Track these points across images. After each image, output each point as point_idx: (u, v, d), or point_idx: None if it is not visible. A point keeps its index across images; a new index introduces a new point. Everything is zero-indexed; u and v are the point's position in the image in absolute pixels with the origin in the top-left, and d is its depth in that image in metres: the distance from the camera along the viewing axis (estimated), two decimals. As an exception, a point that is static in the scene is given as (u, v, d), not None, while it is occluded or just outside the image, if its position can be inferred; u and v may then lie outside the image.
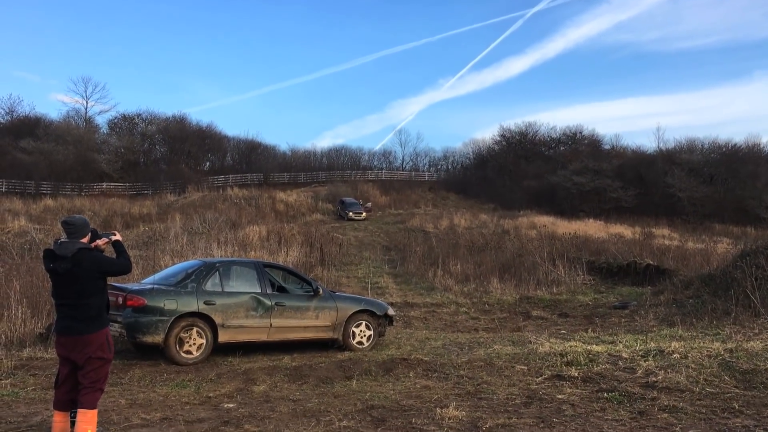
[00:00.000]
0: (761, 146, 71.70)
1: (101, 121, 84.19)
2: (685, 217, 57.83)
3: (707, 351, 8.61)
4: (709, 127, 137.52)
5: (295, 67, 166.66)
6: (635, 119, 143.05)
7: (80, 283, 5.18)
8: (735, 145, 70.34)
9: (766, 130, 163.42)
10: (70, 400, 5.24)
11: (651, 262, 23.68)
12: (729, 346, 8.93)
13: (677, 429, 5.69)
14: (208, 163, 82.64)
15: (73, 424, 5.14)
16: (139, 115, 79.78)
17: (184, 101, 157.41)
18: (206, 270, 10.06)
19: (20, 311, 11.32)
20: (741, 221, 54.50)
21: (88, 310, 5.22)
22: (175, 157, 75.87)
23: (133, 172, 69.39)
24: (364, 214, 49.87)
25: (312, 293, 10.84)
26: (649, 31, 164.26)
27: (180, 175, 67.63)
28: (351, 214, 49.11)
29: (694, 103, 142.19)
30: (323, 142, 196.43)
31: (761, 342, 9.10)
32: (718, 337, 10.12)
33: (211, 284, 9.91)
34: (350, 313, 11.02)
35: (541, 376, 8.06)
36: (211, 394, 7.49)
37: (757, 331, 10.39)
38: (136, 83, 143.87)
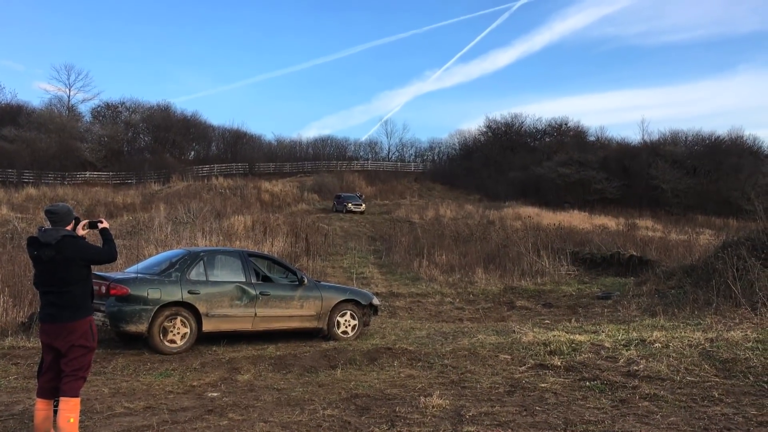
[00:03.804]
0: (744, 139, 72.42)
1: (84, 109, 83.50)
2: (668, 208, 58.35)
3: (688, 340, 8.71)
4: (693, 120, 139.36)
5: (282, 57, 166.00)
6: (620, 111, 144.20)
7: (64, 271, 5.14)
8: (718, 137, 71.03)
9: (749, 123, 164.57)
10: (52, 389, 5.21)
11: (634, 253, 23.86)
12: (710, 335, 9.03)
13: (658, 417, 5.75)
14: (192, 153, 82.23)
15: (55, 412, 5.11)
16: (123, 103, 79.27)
17: (169, 90, 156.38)
18: (190, 259, 10.02)
19: (2, 300, 11.24)
20: (723, 213, 55.00)
21: (72, 298, 5.18)
22: (159, 146, 75.36)
23: (116, 161, 68.84)
24: (363, 206, 48.99)
25: (297, 283, 10.83)
26: (634, 24, 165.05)
27: (164, 165, 67.23)
28: (350, 205, 48.09)
29: (678, 96, 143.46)
30: (309, 132, 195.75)
31: (741, 332, 9.21)
32: (699, 326, 10.23)
33: (196, 273, 9.87)
34: (335, 302, 11.02)
35: (525, 365, 8.12)
36: (195, 383, 7.48)
37: (737, 321, 10.51)
38: (120, 72, 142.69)
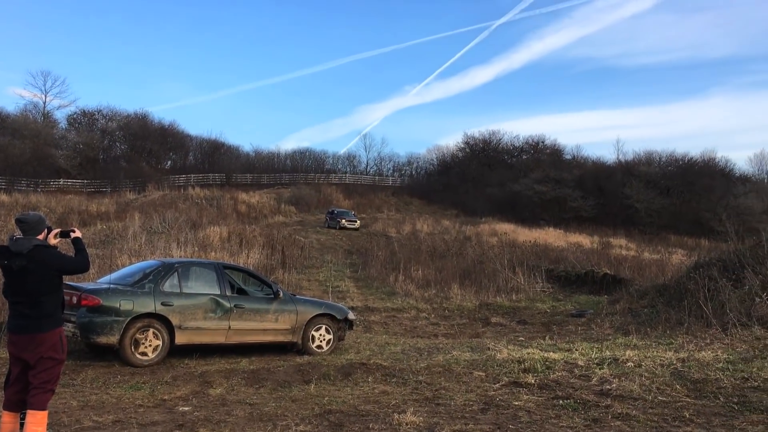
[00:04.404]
0: (716, 161, 73.70)
1: (60, 116, 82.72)
2: (641, 227, 59.03)
3: (660, 360, 8.79)
4: (667, 141, 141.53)
5: (262, 68, 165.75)
6: (596, 131, 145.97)
7: (35, 281, 5.05)
8: (691, 158, 72.21)
9: (722, 145, 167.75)
10: (20, 401, 5.10)
11: (608, 272, 24.10)
12: (681, 355, 9.13)
13: (629, 436, 5.78)
14: (169, 162, 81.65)
15: (22, 425, 5.01)
16: (100, 111, 78.52)
17: (146, 99, 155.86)
18: (164, 270, 9.91)
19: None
20: (695, 233, 55.81)
21: (42, 309, 5.09)
22: (135, 154, 74.72)
23: (91, 168, 68.06)
24: (357, 222, 46.98)
25: (272, 296, 10.76)
26: (610, 46, 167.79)
27: (140, 173, 66.64)
28: (345, 222, 46.18)
29: (653, 117, 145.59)
30: (288, 144, 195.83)
31: (712, 352, 9.32)
32: (671, 346, 10.33)
33: (169, 285, 9.77)
34: (310, 316, 10.97)
35: (499, 382, 8.13)
36: (166, 397, 7.37)
37: (708, 341, 10.62)
38: (97, 79, 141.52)
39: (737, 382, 7.61)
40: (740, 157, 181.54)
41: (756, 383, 7.51)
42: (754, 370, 8.04)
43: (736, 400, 6.92)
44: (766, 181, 77.74)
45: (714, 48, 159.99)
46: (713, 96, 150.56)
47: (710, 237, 47.96)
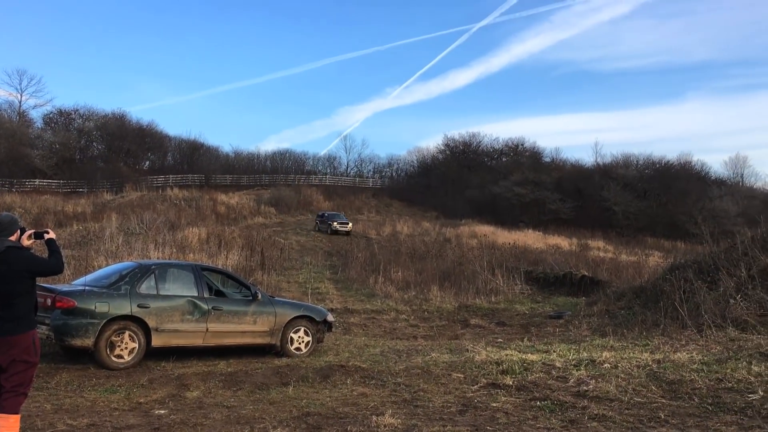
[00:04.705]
0: (692, 164, 74.84)
1: (36, 115, 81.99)
2: (619, 230, 59.71)
3: (636, 361, 8.87)
4: (644, 145, 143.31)
5: (242, 69, 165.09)
6: (575, 134, 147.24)
7: (8, 283, 4.97)
8: (668, 162, 73.18)
9: (698, 149, 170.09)
10: (-9, 405, 5.01)
11: (586, 274, 24.31)
12: (657, 356, 9.22)
13: (606, 437, 5.83)
14: (147, 163, 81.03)
15: (-7, 430, 4.92)
16: (77, 110, 77.64)
17: (124, 99, 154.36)
18: (141, 272, 9.81)
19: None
20: (672, 235, 56.51)
21: (15, 311, 5.01)
22: (113, 154, 74.02)
23: (68, 169, 67.30)
24: (350, 225, 45.03)
25: (250, 298, 10.70)
26: (589, 50, 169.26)
27: (118, 174, 66.02)
28: (336, 225, 44.22)
29: (630, 120, 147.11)
30: (268, 145, 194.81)
31: (687, 353, 9.42)
32: (647, 347, 10.42)
33: (146, 287, 9.67)
34: (289, 318, 10.92)
35: (477, 384, 8.15)
36: (141, 400, 7.29)
37: (684, 342, 10.74)
38: (74, 79, 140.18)
39: (711, 383, 7.69)
40: (716, 161, 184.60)
41: (730, 384, 7.59)
42: (728, 371, 8.13)
43: (710, 401, 6.99)
44: (740, 184, 78.92)
45: (689, 53, 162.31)
46: (689, 100, 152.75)
47: (686, 239, 48.60)
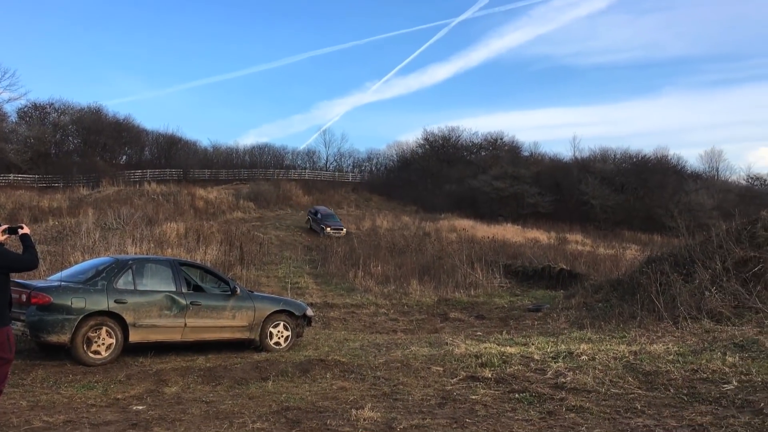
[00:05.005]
0: (669, 158, 75.63)
1: (10, 109, 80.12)
2: (597, 223, 60.22)
3: (613, 353, 8.96)
4: (621, 139, 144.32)
5: (221, 63, 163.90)
6: (553, 128, 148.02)
7: (-20, 279, 4.91)
8: (645, 156, 73.88)
9: (674, 143, 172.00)
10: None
11: (564, 267, 24.53)
12: (633, 348, 9.33)
13: (583, 429, 5.88)
14: (124, 157, 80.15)
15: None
16: (52, 104, 76.46)
17: (100, 93, 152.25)
18: (118, 267, 9.72)
19: None
20: (648, 229, 57.11)
21: (-12, 308, 4.95)
22: (89, 149, 73.09)
23: (43, 163, 66.37)
24: (344, 231, 40.52)
25: (229, 293, 10.64)
26: (567, 44, 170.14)
27: (94, 168, 65.21)
28: (329, 230, 40.17)
29: (608, 115, 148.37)
30: (247, 139, 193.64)
31: (663, 345, 9.54)
32: (624, 339, 10.54)
33: (123, 282, 9.58)
34: (268, 313, 10.88)
35: (456, 377, 8.19)
36: (119, 396, 7.23)
37: (660, 334, 10.87)
38: (49, 72, 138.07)
39: (687, 373, 7.80)
40: (692, 155, 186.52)
41: (705, 375, 7.71)
42: (703, 362, 8.25)
43: (685, 392, 7.09)
44: (716, 178, 79.99)
45: (665, 48, 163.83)
46: (666, 95, 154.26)
47: (663, 232, 49.11)
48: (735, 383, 7.23)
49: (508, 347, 9.95)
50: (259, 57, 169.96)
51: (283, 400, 7.07)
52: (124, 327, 9.35)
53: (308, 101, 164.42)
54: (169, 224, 32.42)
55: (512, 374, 8.14)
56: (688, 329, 10.94)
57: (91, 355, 9.02)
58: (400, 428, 5.90)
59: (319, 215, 43.19)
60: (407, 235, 40.27)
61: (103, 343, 9.14)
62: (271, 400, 7.08)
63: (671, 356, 8.71)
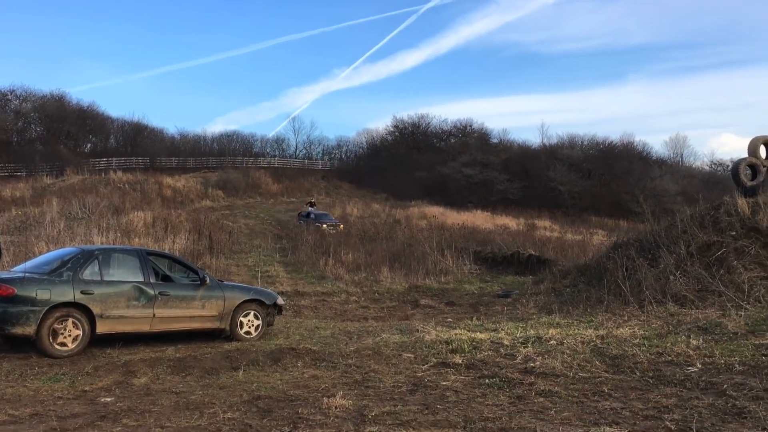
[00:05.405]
0: (634, 144, 76.85)
1: (-31, 96, 77.95)
2: (565, 209, 60.91)
3: (581, 338, 9.11)
4: (589, 125, 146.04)
5: (188, 50, 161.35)
6: (522, 115, 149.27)
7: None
8: (611, 142, 74.89)
9: (639, 129, 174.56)
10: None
11: (533, 253, 24.77)
12: (601, 332, 9.49)
13: (552, 412, 5.97)
14: (89, 145, 78.67)
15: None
16: (13, 91, 74.64)
17: (63, 80, 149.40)
18: (84, 258, 9.57)
19: None
20: (615, 214, 57.99)
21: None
22: (52, 137, 71.60)
23: (4, 152, 64.86)
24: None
25: (198, 282, 10.55)
26: (535, 32, 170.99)
27: (58, 157, 63.94)
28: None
29: (575, 102, 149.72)
30: (215, 127, 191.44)
31: (629, 329, 9.72)
32: (591, 324, 10.71)
33: (90, 273, 9.44)
34: (238, 302, 10.82)
35: (427, 363, 8.24)
36: (87, 388, 7.14)
37: (626, 318, 11.07)
38: (9, 58, 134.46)
39: (652, 356, 7.96)
40: (657, 141, 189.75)
41: (670, 357, 7.88)
42: (668, 345, 8.43)
43: (651, 375, 7.24)
44: (680, 163, 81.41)
45: (630, 35, 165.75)
46: (631, 82, 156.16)
47: (629, 218, 49.92)
48: (699, 366, 7.40)
49: (478, 333, 10.04)
50: (227, 43, 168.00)
51: (254, 389, 7.05)
52: (91, 318, 9.22)
53: (277, 88, 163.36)
54: (136, 213, 31.97)
55: (482, 360, 8.23)
56: (653, 313, 11.14)
57: (57, 347, 8.89)
58: (372, 415, 5.93)
59: (312, 215, 41.01)
60: (377, 222, 40.29)
61: (70, 335, 9.01)
62: (242, 389, 7.05)
63: (637, 340, 8.88)
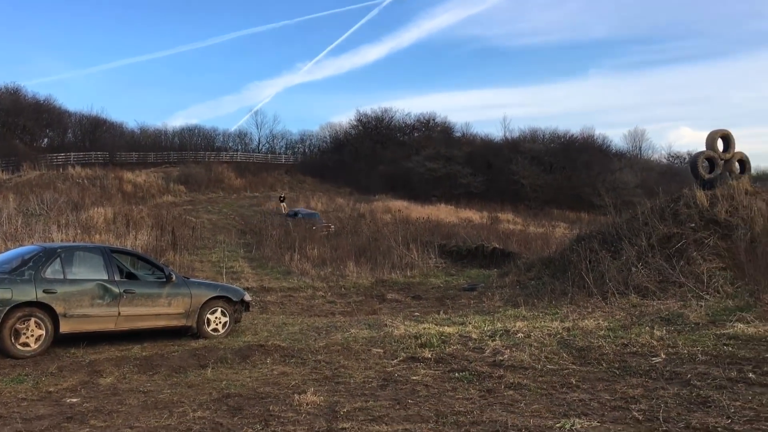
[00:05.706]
0: (595, 138, 77.92)
1: None
2: (527, 202, 61.59)
3: (548, 330, 9.24)
4: (550, 119, 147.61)
5: (146, 42, 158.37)
6: (484, 109, 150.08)
7: None
8: (572, 136, 75.90)
9: (599, 123, 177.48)
10: None
11: (497, 246, 25.02)
12: (566, 324, 9.64)
13: (522, 405, 6.05)
14: (46, 140, 76.80)
15: None
16: (-35, 84, 72.37)
17: (18, 72, 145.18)
18: (46, 256, 9.36)
19: None
20: (576, 207, 58.83)
21: None
22: (7, 131, 69.66)
23: (-43, 147, 62.93)
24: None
25: (164, 279, 10.41)
26: (496, 26, 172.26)
27: (13, 152, 62.27)
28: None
29: (537, 95, 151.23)
30: (176, 121, 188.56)
31: (594, 320, 9.90)
32: (556, 316, 10.87)
33: (52, 271, 9.24)
34: (205, 299, 10.71)
35: (397, 358, 8.28)
36: (51, 389, 7.00)
37: (590, 309, 11.27)
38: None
39: (618, 348, 8.13)
40: (616, 135, 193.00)
41: (634, 348, 8.05)
42: (633, 336, 8.61)
43: (617, 365, 7.39)
44: (639, 156, 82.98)
45: (590, 30, 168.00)
46: (591, 76, 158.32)
47: (590, 211, 50.72)
48: (663, 356, 7.57)
49: (446, 327, 10.12)
50: (187, 36, 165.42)
51: (224, 387, 6.99)
52: (54, 317, 9.04)
53: (238, 82, 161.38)
54: (96, 209, 31.41)
55: (451, 354, 8.30)
56: (616, 304, 11.37)
57: (19, 347, 8.70)
58: (343, 411, 5.94)
59: (300, 215, 39.06)
60: (342, 216, 40.27)
61: (32, 335, 8.82)
62: (211, 387, 6.99)
63: (602, 331, 9.04)
